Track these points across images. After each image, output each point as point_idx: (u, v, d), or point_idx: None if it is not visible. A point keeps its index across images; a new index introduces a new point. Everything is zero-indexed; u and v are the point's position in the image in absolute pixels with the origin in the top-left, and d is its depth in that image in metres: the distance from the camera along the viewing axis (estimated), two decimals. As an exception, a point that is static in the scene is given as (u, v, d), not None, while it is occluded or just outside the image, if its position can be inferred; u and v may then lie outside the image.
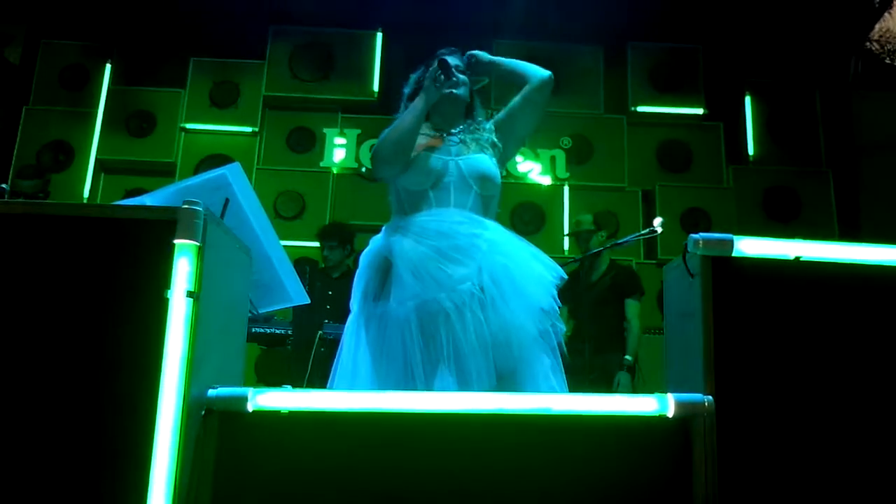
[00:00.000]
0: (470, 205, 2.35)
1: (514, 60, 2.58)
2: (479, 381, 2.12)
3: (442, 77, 2.36)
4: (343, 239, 4.93)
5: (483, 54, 2.57)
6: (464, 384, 2.11)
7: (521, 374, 2.18)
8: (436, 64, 2.38)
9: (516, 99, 2.50)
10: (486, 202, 2.39)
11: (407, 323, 2.18)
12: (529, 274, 2.24)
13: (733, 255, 1.69)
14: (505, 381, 2.17)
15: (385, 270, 2.29)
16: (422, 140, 2.42)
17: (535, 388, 2.16)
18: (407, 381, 2.15)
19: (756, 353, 1.66)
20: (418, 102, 2.36)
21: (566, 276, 2.32)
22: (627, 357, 4.38)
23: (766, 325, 1.67)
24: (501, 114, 2.54)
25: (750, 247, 1.71)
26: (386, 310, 2.23)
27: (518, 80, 2.51)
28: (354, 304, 2.37)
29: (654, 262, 5.94)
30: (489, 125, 2.53)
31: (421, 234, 2.26)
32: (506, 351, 2.17)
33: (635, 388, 4.33)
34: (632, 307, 4.53)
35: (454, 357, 2.14)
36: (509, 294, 2.20)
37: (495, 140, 2.48)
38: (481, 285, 2.21)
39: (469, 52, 2.56)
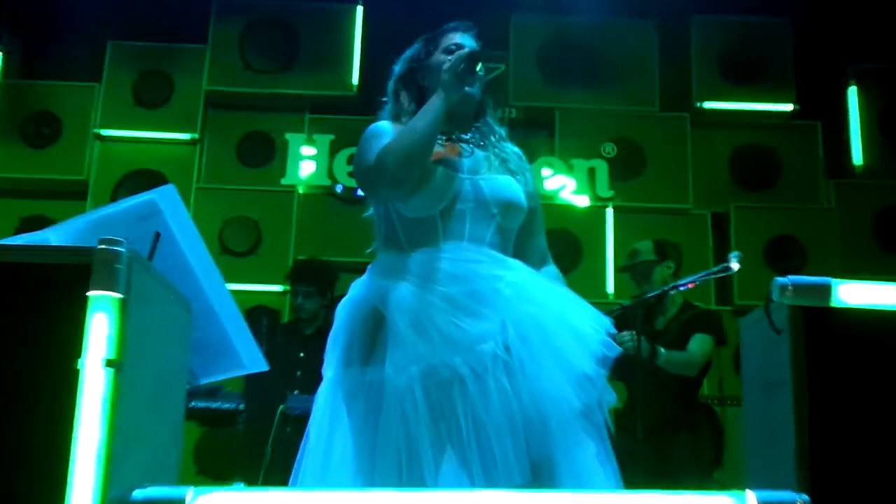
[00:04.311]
0: (489, 238, 2.39)
1: None
2: (508, 471, 2.12)
3: (465, 69, 2.38)
4: (324, 284, 4.95)
5: None
6: (488, 476, 2.12)
7: (560, 464, 2.18)
8: (465, 53, 2.41)
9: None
10: (507, 236, 2.44)
11: (409, 395, 2.19)
12: (568, 328, 2.25)
13: (833, 304, 1.70)
14: (539, 472, 2.17)
15: (375, 325, 2.31)
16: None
17: (578, 483, 2.16)
18: (410, 473, 2.15)
19: (866, 436, 1.67)
20: (435, 102, 2.37)
21: (613, 329, 2.33)
22: (661, 349, 4.34)
23: (878, 400, 1.68)
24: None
25: (856, 294, 1.72)
26: (378, 378, 2.24)
27: None
28: (329, 369, 2.39)
29: (729, 308, 5.95)
30: (517, 149, 2.59)
31: (426, 278, 2.29)
32: (540, 432, 2.18)
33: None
34: (699, 340, 4.49)
35: (475, 440, 2.15)
36: (543, 356, 2.21)
37: (526, 171, 2.56)
38: (507, 344, 2.23)
39: None
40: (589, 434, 2.22)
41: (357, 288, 2.42)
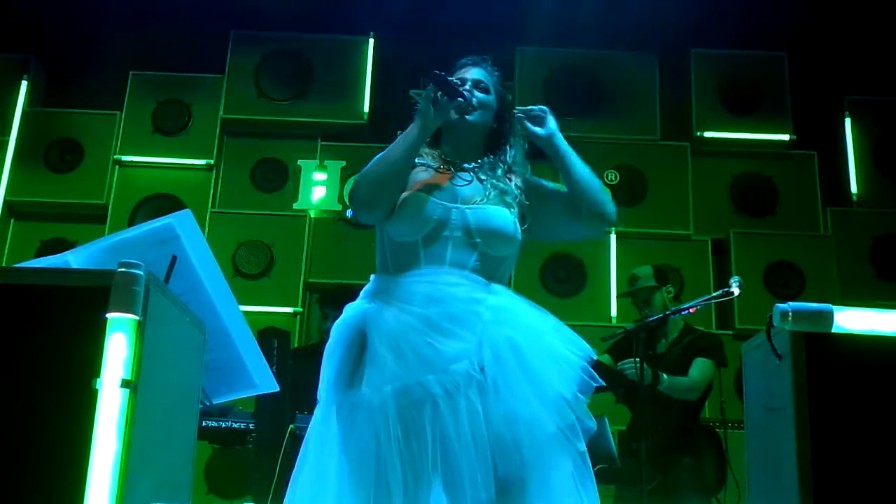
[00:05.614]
0: (471, 264, 2.37)
1: (582, 164, 2.56)
2: (474, 490, 2.11)
3: (442, 97, 2.38)
4: None
5: (548, 120, 2.60)
6: (453, 496, 2.10)
7: (532, 484, 2.17)
8: (432, 81, 2.39)
9: (562, 201, 2.53)
10: (494, 263, 2.41)
11: (383, 414, 2.19)
12: (546, 352, 2.25)
13: (833, 330, 1.69)
14: (509, 492, 2.16)
15: (360, 347, 2.32)
16: (424, 174, 2.47)
17: (550, 503, 2.15)
18: (379, 493, 2.14)
19: (867, 460, 1.65)
20: (411, 129, 2.40)
21: (595, 357, 2.32)
22: (664, 375, 4.30)
23: (879, 424, 1.66)
24: (540, 186, 2.56)
25: (855, 320, 1.70)
26: (358, 397, 2.24)
27: (574, 189, 2.50)
28: (322, 389, 2.38)
29: (730, 332, 5.92)
30: (519, 180, 2.55)
31: (405, 301, 2.29)
32: (511, 451, 2.16)
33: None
34: (700, 364, 4.46)
35: (440, 458, 2.13)
36: (517, 377, 2.21)
37: (523, 200, 2.51)
38: (482, 365, 2.22)
39: (528, 109, 2.56)
40: (567, 455, 2.21)
41: (349, 310, 2.42)
